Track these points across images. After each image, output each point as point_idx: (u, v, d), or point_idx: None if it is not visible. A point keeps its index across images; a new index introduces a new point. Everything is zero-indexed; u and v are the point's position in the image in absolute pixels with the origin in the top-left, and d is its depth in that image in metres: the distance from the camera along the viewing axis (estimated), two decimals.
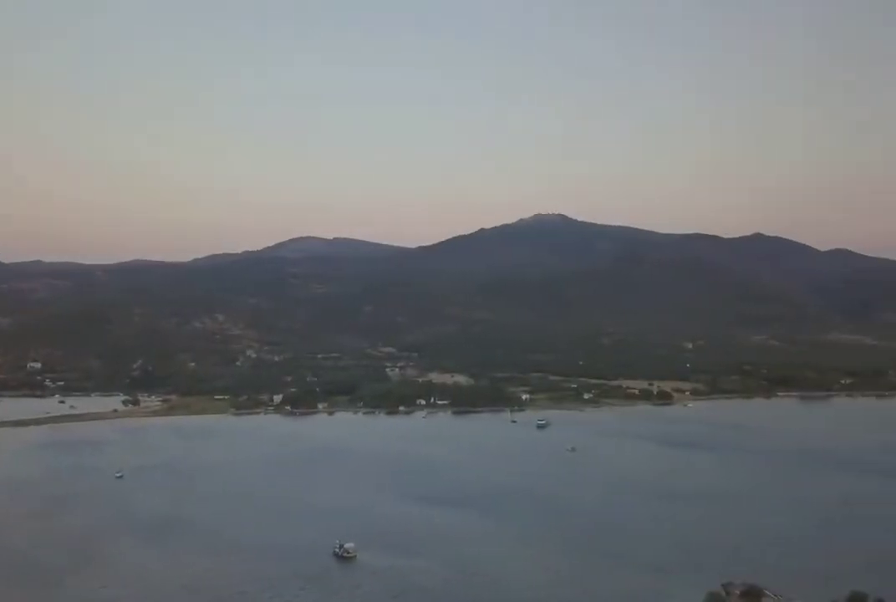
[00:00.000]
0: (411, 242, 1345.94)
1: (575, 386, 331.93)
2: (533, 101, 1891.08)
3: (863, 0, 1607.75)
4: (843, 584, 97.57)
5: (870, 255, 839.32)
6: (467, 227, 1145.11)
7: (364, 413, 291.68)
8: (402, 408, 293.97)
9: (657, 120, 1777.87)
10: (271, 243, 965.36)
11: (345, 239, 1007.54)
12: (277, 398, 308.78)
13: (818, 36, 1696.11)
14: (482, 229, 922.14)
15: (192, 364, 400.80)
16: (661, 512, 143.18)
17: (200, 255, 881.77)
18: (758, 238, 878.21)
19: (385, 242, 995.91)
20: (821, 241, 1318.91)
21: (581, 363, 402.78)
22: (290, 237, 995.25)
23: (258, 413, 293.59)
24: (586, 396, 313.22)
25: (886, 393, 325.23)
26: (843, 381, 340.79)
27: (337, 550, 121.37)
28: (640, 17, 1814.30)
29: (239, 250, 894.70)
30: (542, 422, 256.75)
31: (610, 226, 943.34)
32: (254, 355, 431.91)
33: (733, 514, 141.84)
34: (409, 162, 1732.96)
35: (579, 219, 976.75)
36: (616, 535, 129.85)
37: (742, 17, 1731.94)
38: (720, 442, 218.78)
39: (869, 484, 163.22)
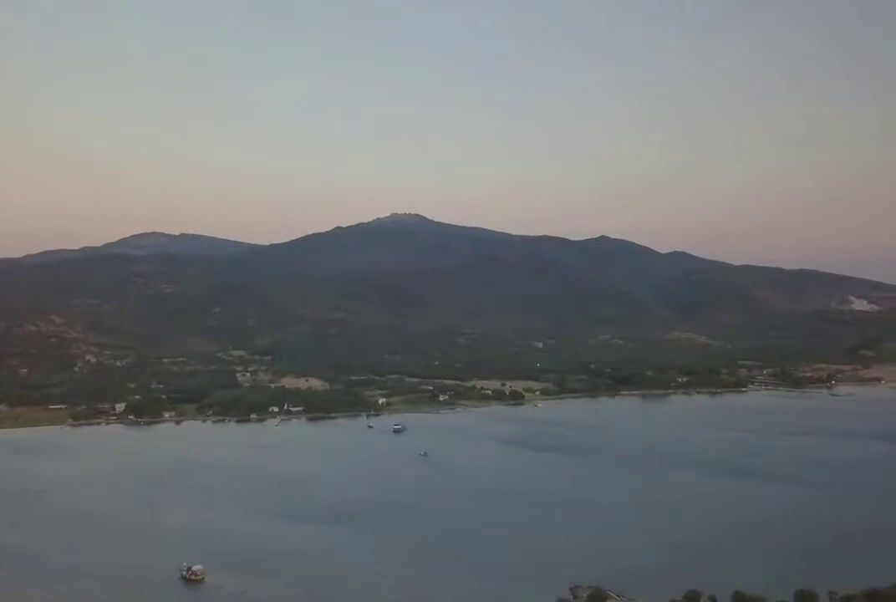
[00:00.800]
0: (264, 240, 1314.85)
1: (431, 388, 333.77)
2: (390, 99, 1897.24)
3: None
4: (682, 580, 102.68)
5: (705, 257, 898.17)
6: (323, 225, 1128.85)
7: (213, 421, 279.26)
8: (253, 415, 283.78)
9: (513, 124, 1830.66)
10: (113, 239, 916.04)
11: (192, 235, 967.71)
12: (120, 407, 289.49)
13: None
14: (338, 228, 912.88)
15: (24, 370, 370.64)
16: (512, 517, 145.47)
17: (33, 251, 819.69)
18: (603, 240, 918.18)
19: (236, 239, 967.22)
20: (661, 243, 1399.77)
21: (437, 364, 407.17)
22: (133, 233, 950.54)
23: (99, 423, 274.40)
24: (442, 398, 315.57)
25: (718, 390, 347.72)
26: (679, 379, 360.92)
27: (184, 573, 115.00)
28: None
29: (77, 246, 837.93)
30: (398, 426, 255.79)
31: (466, 227, 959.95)
32: (94, 360, 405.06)
33: (584, 517, 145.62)
34: (263, 157, 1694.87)
35: (436, 219, 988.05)
36: (469, 542, 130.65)
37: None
38: (569, 443, 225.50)
39: (713, 483, 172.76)
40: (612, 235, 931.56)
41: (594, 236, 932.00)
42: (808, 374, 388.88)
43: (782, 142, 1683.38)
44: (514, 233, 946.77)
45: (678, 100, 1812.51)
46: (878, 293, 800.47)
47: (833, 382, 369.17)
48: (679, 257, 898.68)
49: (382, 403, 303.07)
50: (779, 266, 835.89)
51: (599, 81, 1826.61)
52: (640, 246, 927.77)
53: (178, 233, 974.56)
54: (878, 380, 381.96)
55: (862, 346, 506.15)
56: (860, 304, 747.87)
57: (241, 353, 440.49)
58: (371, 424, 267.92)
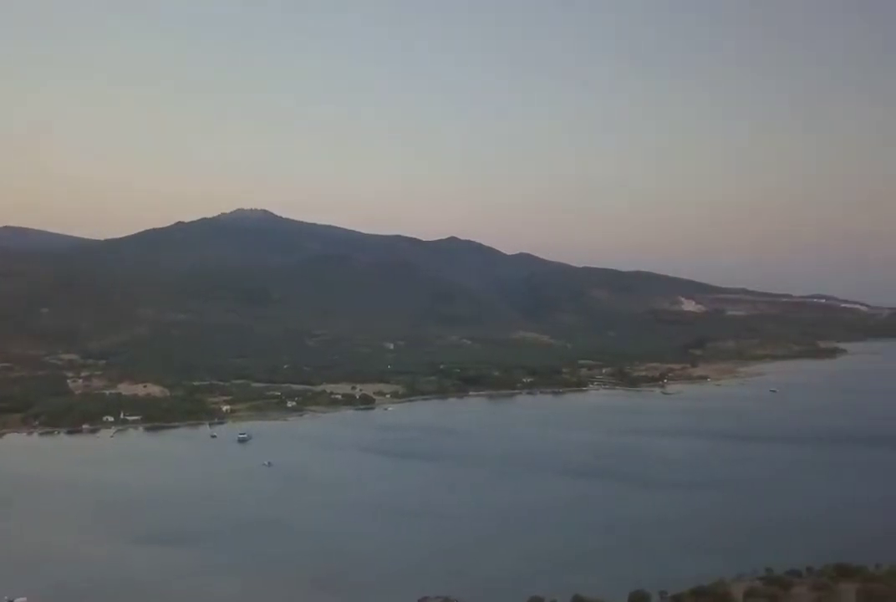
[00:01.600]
0: (97, 234, 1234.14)
1: (279, 393, 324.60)
2: (234, 89, 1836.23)
3: None
4: (532, 587, 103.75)
5: (549, 259, 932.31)
6: (162, 220, 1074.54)
7: (41, 433, 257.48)
8: (86, 426, 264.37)
9: (360, 120, 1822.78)
10: None
11: (15, 228, 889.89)
12: None
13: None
14: (179, 223, 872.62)
15: None
16: (369, 529, 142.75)
17: None
18: (453, 241, 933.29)
19: (66, 233, 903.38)
20: (507, 245, 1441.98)
21: (286, 367, 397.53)
22: None
23: None
24: (290, 404, 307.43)
25: (561, 390, 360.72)
26: (525, 380, 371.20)
27: None
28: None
29: None
30: (244, 435, 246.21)
31: (316, 224, 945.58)
32: None
33: (445, 526, 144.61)
34: (100, 146, 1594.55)
35: (284, 216, 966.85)
36: (323, 556, 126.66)
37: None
38: (425, 448, 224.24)
39: (572, 485, 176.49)
40: (462, 236, 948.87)
41: (444, 237, 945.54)
42: (642, 373, 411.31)
43: (617, 146, 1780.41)
44: (365, 232, 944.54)
45: (527, 99, 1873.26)
46: (705, 294, 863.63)
47: (665, 381, 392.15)
48: (524, 259, 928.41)
49: (226, 411, 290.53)
50: (616, 268, 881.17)
51: (454, 81, 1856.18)
52: (488, 247, 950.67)
53: None
54: (705, 378, 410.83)
55: (691, 345, 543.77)
56: (689, 305, 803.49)
57: (73, 356, 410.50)
58: (214, 434, 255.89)
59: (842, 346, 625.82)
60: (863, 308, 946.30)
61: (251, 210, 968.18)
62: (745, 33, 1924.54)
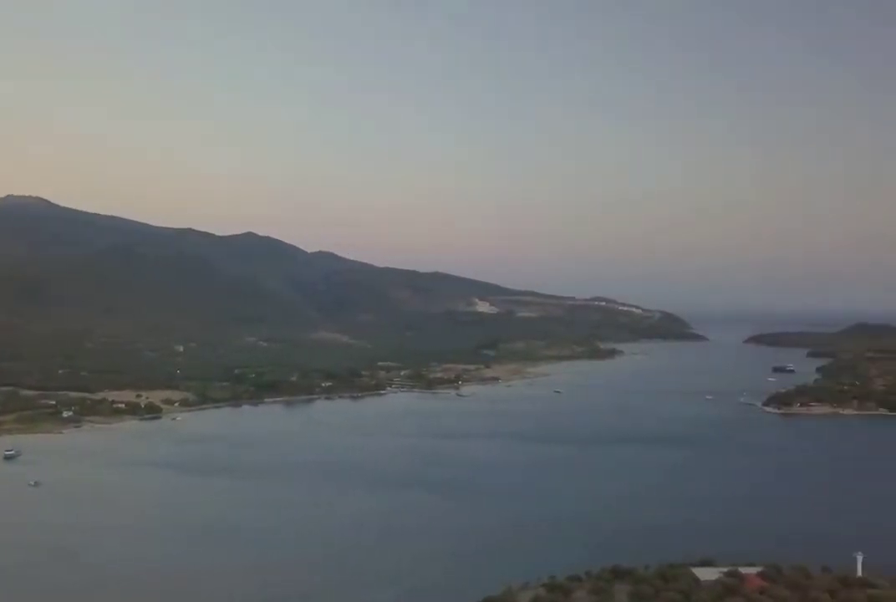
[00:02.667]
0: None
1: (53, 402, 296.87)
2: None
3: None
4: None
5: (350, 258, 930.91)
6: None
7: None
8: None
9: (154, 102, 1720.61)
10: None
11: None
12: None
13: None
14: None
15: None
16: (152, 554, 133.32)
17: None
18: (250, 237, 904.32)
19: None
20: (308, 242, 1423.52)
21: (61, 372, 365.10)
22: None
23: None
24: (66, 415, 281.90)
25: (360, 394, 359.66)
26: (323, 384, 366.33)
27: None
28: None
29: None
30: (10, 452, 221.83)
31: (99, 215, 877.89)
32: None
33: (247, 551, 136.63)
34: None
35: (62, 204, 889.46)
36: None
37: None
38: (222, 463, 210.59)
39: (383, 496, 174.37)
40: (259, 232, 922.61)
41: (240, 232, 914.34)
42: (439, 375, 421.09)
43: (414, 147, 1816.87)
44: (155, 224, 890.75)
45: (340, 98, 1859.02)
46: (498, 296, 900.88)
47: (460, 383, 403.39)
48: (324, 257, 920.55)
49: None
50: (415, 269, 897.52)
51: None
52: (287, 244, 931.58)
53: None
54: (496, 379, 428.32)
55: (484, 345, 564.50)
56: (483, 306, 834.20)
57: None
58: None
59: (618, 347, 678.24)
60: (637, 311, 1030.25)
61: (23, 197, 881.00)
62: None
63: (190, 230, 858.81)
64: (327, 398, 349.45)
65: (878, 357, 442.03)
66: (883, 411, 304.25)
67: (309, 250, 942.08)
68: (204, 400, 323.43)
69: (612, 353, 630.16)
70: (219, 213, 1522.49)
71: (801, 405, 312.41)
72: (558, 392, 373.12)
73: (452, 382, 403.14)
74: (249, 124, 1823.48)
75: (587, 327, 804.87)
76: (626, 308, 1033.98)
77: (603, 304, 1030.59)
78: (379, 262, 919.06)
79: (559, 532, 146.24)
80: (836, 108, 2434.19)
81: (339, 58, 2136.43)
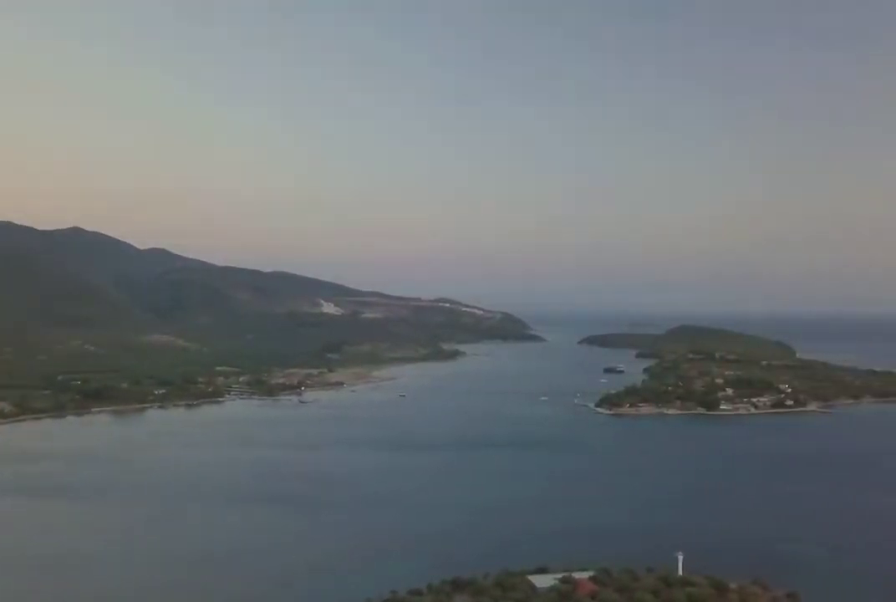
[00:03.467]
0: None
1: None
2: None
3: None
4: None
5: (187, 256, 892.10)
6: None
7: None
8: None
9: None
10: None
11: None
12: None
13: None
14: None
15: None
16: None
17: None
18: (76, 232, 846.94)
19: None
20: (140, 239, 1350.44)
21: None
22: None
23: None
24: None
25: (196, 402, 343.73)
26: (156, 392, 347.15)
27: None
28: None
29: None
30: None
31: None
32: None
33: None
34: None
35: None
36: None
37: None
38: (48, 483, 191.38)
39: (250, 514, 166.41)
40: (87, 227, 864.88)
41: (66, 227, 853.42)
42: (281, 381, 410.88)
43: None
44: None
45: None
46: (344, 297, 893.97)
47: (303, 389, 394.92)
48: (159, 255, 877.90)
49: None
50: (257, 268, 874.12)
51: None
52: (117, 240, 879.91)
53: None
54: (341, 384, 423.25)
55: (328, 349, 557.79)
56: (328, 307, 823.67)
57: None
58: None
59: (461, 348, 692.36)
60: (479, 312, 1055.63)
61: None
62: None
63: (7, 223, 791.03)
64: (161, 407, 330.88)
65: (697, 358, 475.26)
66: (702, 411, 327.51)
67: (141, 247, 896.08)
68: (22, 411, 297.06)
69: (454, 355, 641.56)
70: (42, 206, 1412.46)
71: (630, 406, 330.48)
72: (402, 396, 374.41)
73: (295, 388, 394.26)
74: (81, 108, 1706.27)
75: (432, 328, 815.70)
76: (469, 309, 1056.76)
77: (447, 305, 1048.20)
78: (218, 261, 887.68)
79: (409, 544, 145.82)
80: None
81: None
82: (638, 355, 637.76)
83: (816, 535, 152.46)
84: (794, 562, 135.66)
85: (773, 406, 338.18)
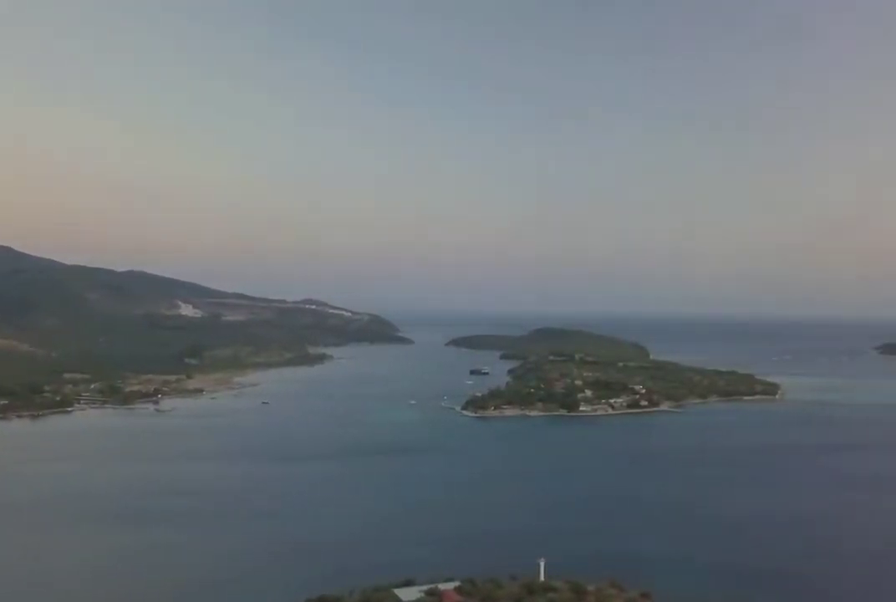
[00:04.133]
0: None
1: None
2: None
3: None
4: None
5: (33, 254, 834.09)
6: None
7: None
8: None
9: None
10: None
11: None
12: None
13: None
14: None
15: None
16: None
17: None
18: None
19: None
20: None
21: None
22: None
23: None
24: None
25: (42, 412, 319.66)
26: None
27: None
28: None
29: None
30: None
31: None
32: None
33: None
34: None
35: None
36: None
37: None
38: None
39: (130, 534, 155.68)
40: None
41: None
42: (136, 388, 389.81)
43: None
44: None
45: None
46: (203, 298, 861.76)
47: (160, 396, 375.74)
48: (2, 253, 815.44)
49: None
50: (110, 268, 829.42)
51: None
52: None
53: None
54: (201, 391, 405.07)
55: (187, 353, 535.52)
56: (187, 309, 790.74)
57: None
58: None
59: (328, 351, 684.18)
60: (347, 314, 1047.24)
61: None
62: None
63: None
64: (3, 419, 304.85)
65: (558, 360, 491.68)
66: (563, 412, 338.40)
67: None
68: None
69: (321, 358, 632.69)
70: None
71: (495, 408, 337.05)
72: (266, 403, 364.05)
73: (151, 396, 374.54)
74: None
75: (298, 331, 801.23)
76: (336, 311, 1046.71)
77: (314, 307, 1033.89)
78: (68, 260, 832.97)
79: (285, 560, 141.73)
80: None
81: None
82: (502, 357, 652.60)
83: (670, 532, 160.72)
84: (649, 560, 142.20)
85: (629, 406, 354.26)
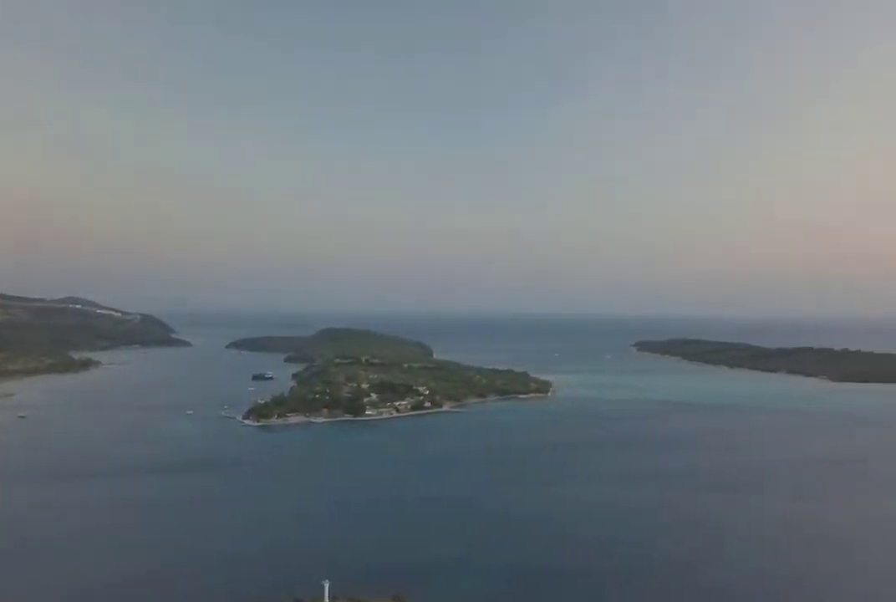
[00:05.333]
0: None
1: None
2: None
3: None
4: None
5: None
6: None
7: None
8: None
9: None
10: None
11: None
12: None
13: None
14: None
15: None
16: None
17: None
18: None
19: None
20: None
21: None
22: None
23: None
24: None
25: None
26: None
27: None
28: None
29: None
30: None
31: None
32: None
33: None
34: None
35: None
36: None
37: None
38: None
39: None
40: None
41: None
42: None
43: None
44: None
45: None
46: None
47: None
48: None
49: None
50: None
51: None
52: None
53: None
54: None
55: None
56: None
57: None
58: None
59: (96, 356, 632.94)
60: (117, 314, 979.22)
61: None
62: None
63: None
64: None
65: (344, 362, 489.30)
66: (348, 417, 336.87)
67: None
68: None
69: (87, 364, 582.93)
70: None
71: (279, 416, 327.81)
72: (22, 417, 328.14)
73: None
74: None
75: (60, 334, 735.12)
76: (104, 311, 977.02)
77: (78, 306, 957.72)
78: None
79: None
80: None
81: None
82: (287, 360, 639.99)
83: (458, 537, 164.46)
84: (439, 567, 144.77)
85: (413, 408, 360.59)
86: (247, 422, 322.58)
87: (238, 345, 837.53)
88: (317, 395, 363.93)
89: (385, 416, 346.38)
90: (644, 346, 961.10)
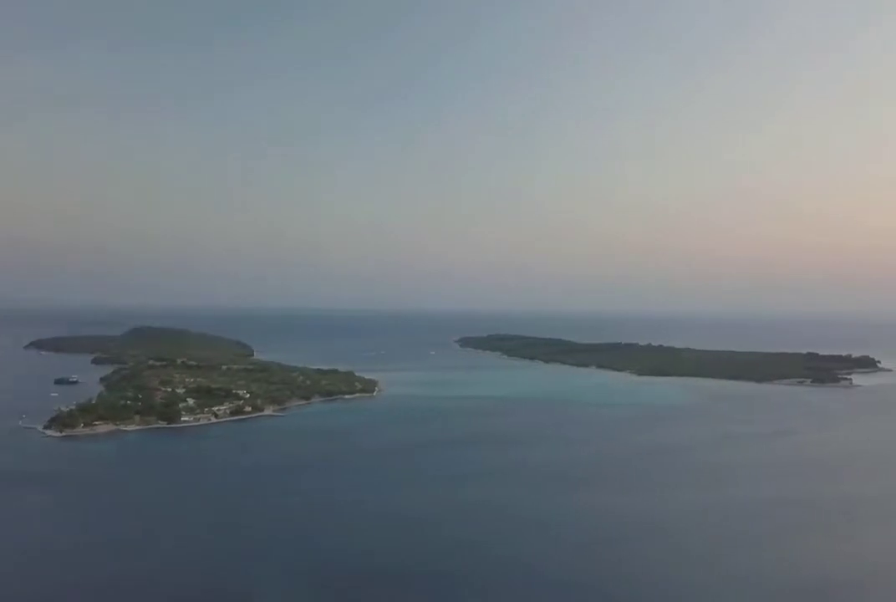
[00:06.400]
0: None
1: None
2: None
3: None
4: None
5: None
6: None
7: None
8: None
9: None
10: None
11: None
12: None
13: None
14: None
15: None
16: None
17: None
18: None
19: None
20: None
21: None
22: None
23: None
24: None
25: None
26: None
27: None
28: None
29: None
30: None
31: None
32: None
33: None
34: None
35: None
36: None
37: None
38: None
39: None
40: None
41: None
42: None
43: None
44: None
45: None
46: None
47: None
48: None
49: None
50: None
51: None
52: None
53: None
54: None
55: None
56: None
57: None
58: None
59: None
60: None
61: None
62: None
63: None
64: None
65: (159, 365, 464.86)
66: (163, 424, 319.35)
67: None
68: None
69: None
70: None
71: (86, 425, 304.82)
72: None
73: None
74: None
75: None
76: None
77: None
78: None
79: None
80: None
81: None
82: (95, 361, 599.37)
83: (280, 555, 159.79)
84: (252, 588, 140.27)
85: (233, 413, 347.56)
86: (49, 432, 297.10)
87: (39, 345, 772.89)
88: (128, 401, 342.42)
89: (203, 422, 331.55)
90: (466, 342, 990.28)
